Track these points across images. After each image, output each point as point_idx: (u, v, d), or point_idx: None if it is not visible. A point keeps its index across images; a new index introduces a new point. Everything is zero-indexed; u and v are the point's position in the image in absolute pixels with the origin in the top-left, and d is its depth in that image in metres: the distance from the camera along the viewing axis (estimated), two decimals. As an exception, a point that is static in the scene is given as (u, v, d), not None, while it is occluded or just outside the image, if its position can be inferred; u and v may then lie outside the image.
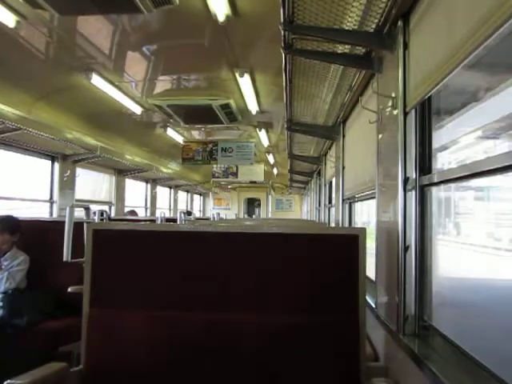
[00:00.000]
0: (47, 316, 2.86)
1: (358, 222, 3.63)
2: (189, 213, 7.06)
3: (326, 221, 5.34)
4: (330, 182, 4.90)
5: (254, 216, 14.23)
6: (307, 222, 6.06)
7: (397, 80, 1.72)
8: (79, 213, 2.82)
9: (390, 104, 1.83)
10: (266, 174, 9.79)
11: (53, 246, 2.78)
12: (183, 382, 1.60)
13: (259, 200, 15.20)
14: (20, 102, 3.94)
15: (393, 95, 1.80)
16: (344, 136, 3.60)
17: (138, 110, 5.03)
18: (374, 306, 2.06)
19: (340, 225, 3.72)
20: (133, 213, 6.07)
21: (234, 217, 9.97)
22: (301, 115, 3.64)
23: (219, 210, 11.11)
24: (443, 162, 1.61)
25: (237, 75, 3.89)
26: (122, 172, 7.47)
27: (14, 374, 1.37)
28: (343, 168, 3.62)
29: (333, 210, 4.55)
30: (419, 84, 1.54)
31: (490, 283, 1.43)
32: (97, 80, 3.95)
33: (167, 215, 4.54)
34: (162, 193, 10.41)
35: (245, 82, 4.05)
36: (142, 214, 8.37)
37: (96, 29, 3.12)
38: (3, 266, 2.93)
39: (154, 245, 1.71)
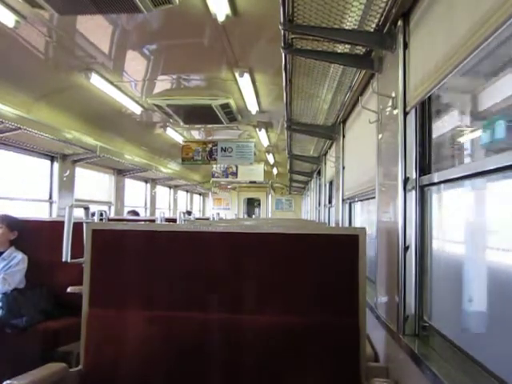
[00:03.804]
0: (46, 316, 2.85)
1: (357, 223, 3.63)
2: (188, 213, 7.06)
3: (326, 221, 5.34)
4: (330, 182, 4.90)
5: (253, 216, 14.23)
6: (307, 221, 6.06)
7: (397, 80, 1.72)
8: (79, 213, 2.81)
9: (389, 104, 1.83)
10: (265, 174, 9.78)
11: (52, 246, 2.77)
12: (183, 382, 1.59)
13: (259, 200, 15.20)
14: (19, 102, 3.94)
15: (393, 95, 1.79)
16: (344, 136, 3.60)
17: (137, 109, 5.02)
18: (374, 306, 2.06)
19: (340, 225, 3.72)
20: (134, 213, 6.05)
21: (233, 217, 9.97)
22: (301, 115, 3.63)
23: (219, 210, 11.12)
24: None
25: (236, 75, 3.88)
26: (121, 172, 7.46)
27: (13, 374, 1.37)
28: (343, 168, 3.62)
29: (333, 209, 4.55)
30: (419, 84, 1.54)
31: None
32: (96, 80, 3.95)
33: (167, 215, 4.53)
34: (162, 193, 10.41)
35: (244, 82, 4.04)
36: (141, 213, 8.36)
37: (95, 28, 3.11)
38: None
39: (153, 245, 1.70)
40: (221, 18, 2.77)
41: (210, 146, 7.47)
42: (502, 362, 1.12)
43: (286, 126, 3.93)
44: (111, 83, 4.17)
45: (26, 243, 3.10)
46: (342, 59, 2.19)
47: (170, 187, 11.00)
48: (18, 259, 2.98)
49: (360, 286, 1.56)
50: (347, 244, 1.61)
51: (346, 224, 3.61)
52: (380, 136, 2.06)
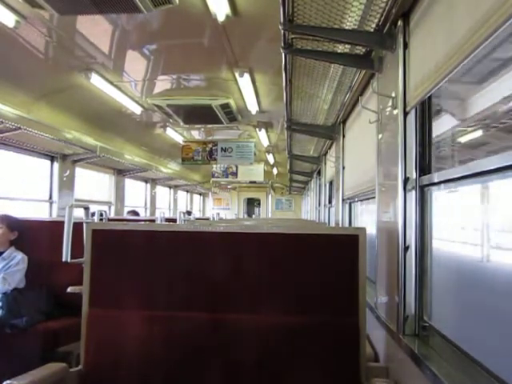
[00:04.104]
0: (46, 316, 2.85)
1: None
2: (188, 213, 7.06)
3: (326, 221, 5.34)
4: (330, 182, 4.90)
5: (253, 216, 14.23)
6: (307, 221, 6.06)
7: (397, 80, 1.72)
8: (79, 213, 2.81)
9: (389, 104, 1.83)
10: (265, 174, 9.78)
11: (52, 246, 2.77)
12: (183, 382, 1.59)
13: (259, 200, 15.20)
14: (19, 102, 3.94)
15: (393, 95, 1.79)
16: (344, 136, 3.60)
17: (137, 109, 5.02)
18: (373, 306, 2.06)
19: (340, 225, 3.72)
20: (134, 213, 6.04)
21: (233, 217, 9.97)
22: (301, 115, 3.63)
23: (219, 210, 11.12)
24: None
25: (236, 75, 3.88)
26: (121, 172, 7.47)
27: (13, 374, 1.37)
28: (343, 168, 3.62)
29: (333, 209, 4.55)
30: (419, 84, 1.54)
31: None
32: (96, 80, 3.95)
33: (167, 215, 4.54)
34: (162, 193, 10.41)
35: (244, 82, 4.04)
36: (141, 213, 8.36)
37: (95, 28, 3.11)
38: None
39: (153, 245, 1.70)
40: (221, 17, 2.77)
41: (210, 145, 7.46)
42: (501, 362, 1.12)
43: (286, 125, 3.93)
44: (111, 83, 4.17)
45: (26, 243, 3.10)
46: (342, 59, 2.19)
47: (170, 187, 11.00)
48: (18, 259, 2.98)
49: (360, 286, 1.56)
50: (347, 244, 1.61)
51: (346, 224, 3.61)
52: (380, 136, 2.06)
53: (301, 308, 1.60)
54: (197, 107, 4.89)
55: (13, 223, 3.10)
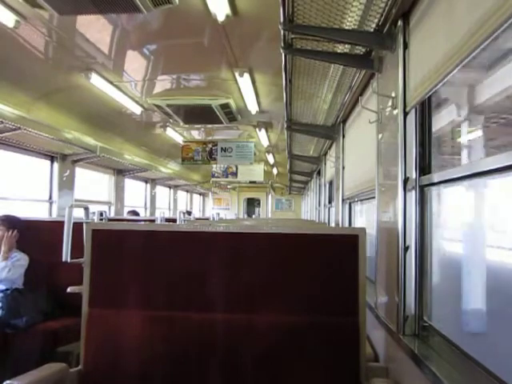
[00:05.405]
0: (46, 316, 2.86)
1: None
2: (188, 213, 7.06)
3: (326, 221, 5.34)
4: (330, 182, 4.90)
5: (253, 216, 14.23)
6: (307, 221, 6.06)
7: (397, 80, 1.72)
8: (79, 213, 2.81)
9: (389, 104, 1.83)
10: (265, 174, 9.78)
11: (52, 246, 2.77)
12: (183, 382, 1.59)
13: (259, 200, 15.21)
14: (19, 102, 3.94)
15: (393, 95, 1.79)
16: (344, 136, 3.60)
17: (137, 109, 5.02)
18: (373, 306, 2.06)
19: (340, 225, 3.72)
20: (134, 213, 6.04)
21: (233, 217, 9.97)
22: (301, 115, 3.64)
23: (219, 210, 11.12)
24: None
25: (236, 75, 3.88)
26: (121, 172, 7.47)
27: (13, 374, 1.37)
28: (343, 168, 3.62)
29: (333, 209, 4.55)
30: (419, 84, 1.54)
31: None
32: (96, 80, 3.95)
33: (167, 215, 4.53)
34: (162, 193, 10.41)
35: (244, 82, 4.04)
36: (141, 213, 8.35)
37: (95, 28, 3.11)
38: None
39: (153, 245, 1.70)
40: (221, 18, 2.77)
41: (209, 146, 7.46)
42: (501, 362, 1.12)
43: (285, 126, 3.93)
44: (111, 83, 4.16)
45: (26, 243, 3.10)
46: (342, 59, 2.19)
47: (169, 187, 11.00)
48: (19, 257, 3.00)
49: (360, 286, 1.56)
50: (347, 244, 1.61)
51: (346, 224, 3.61)
52: (380, 136, 2.06)
53: (301, 308, 1.60)
54: (197, 107, 4.88)
55: (14, 224, 3.10)
